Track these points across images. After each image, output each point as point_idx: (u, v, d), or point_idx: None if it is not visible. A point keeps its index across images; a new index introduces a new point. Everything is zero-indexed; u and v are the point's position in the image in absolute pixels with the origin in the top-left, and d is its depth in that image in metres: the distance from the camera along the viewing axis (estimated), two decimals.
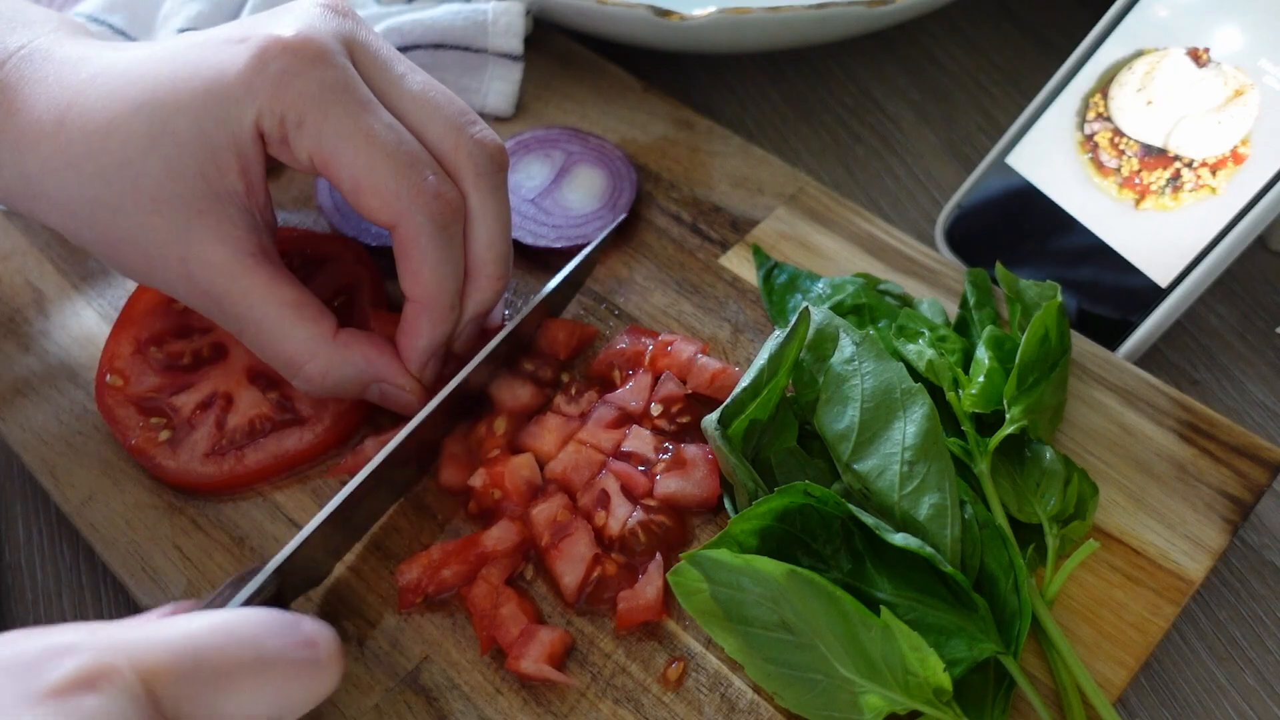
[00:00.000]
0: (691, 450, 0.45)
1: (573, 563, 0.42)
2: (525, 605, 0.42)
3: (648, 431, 0.45)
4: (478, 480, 0.45)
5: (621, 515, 0.43)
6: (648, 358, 0.48)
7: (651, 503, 0.44)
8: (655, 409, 0.46)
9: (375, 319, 0.48)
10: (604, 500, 0.44)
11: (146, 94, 0.39)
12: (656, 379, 0.47)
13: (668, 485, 0.44)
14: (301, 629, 0.32)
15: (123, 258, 0.41)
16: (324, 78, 0.39)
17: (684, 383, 0.47)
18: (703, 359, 0.48)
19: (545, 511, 0.43)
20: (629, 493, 0.44)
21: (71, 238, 0.42)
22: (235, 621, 0.30)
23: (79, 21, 0.46)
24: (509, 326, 0.46)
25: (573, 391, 0.47)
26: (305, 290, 0.42)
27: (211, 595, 0.36)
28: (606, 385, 0.48)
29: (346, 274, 0.51)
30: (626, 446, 0.45)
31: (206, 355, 0.48)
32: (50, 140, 0.40)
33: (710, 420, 0.42)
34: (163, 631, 0.29)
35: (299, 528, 0.45)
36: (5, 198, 0.42)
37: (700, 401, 0.47)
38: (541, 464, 0.45)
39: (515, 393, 0.47)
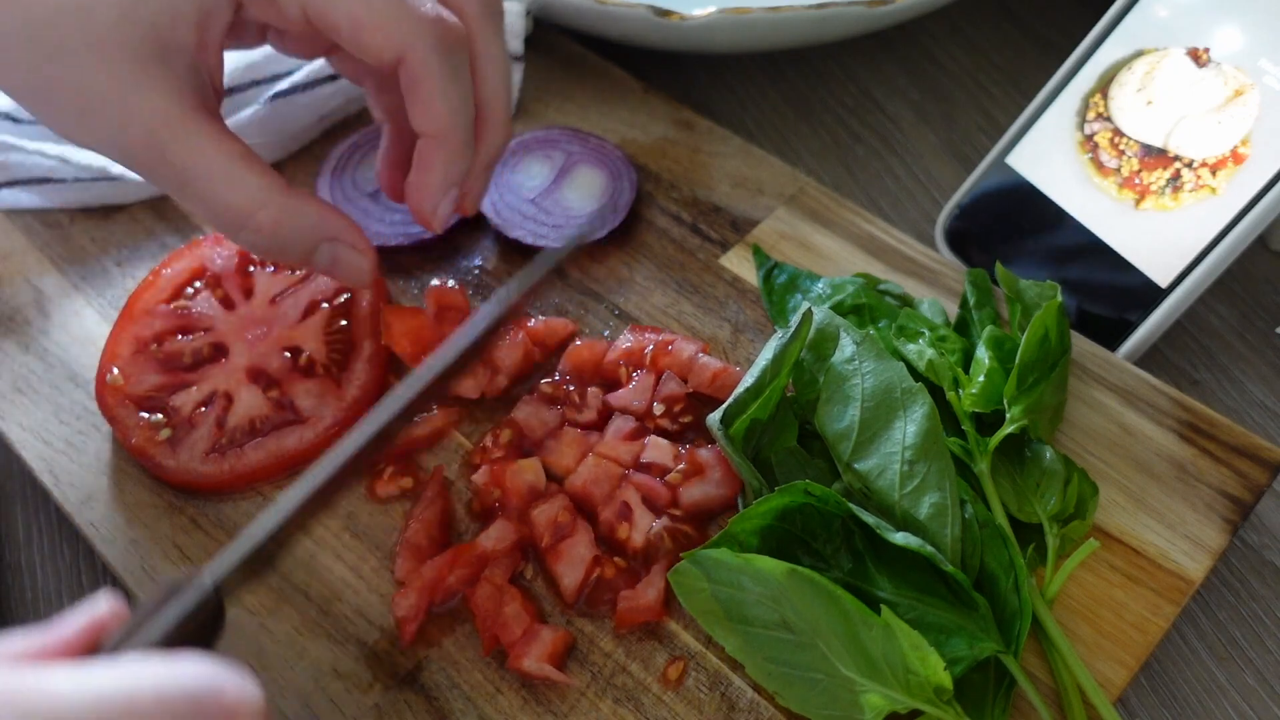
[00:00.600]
0: (704, 453, 0.45)
1: (572, 564, 0.42)
2: (528, 605, 0.42)
3: (665, 442, 0.45)
4: (480, 478, 0.45)
5: (645, 526, 0.43)
6: (649, 356, 0.48)
7: (677, 512, 0.44)
8: (658, 408, 0.46)
9: (388, 313, 0.48)
10: (626, 513, 0.44)
11: None
12: (659, 378, 0.47)
13: (692, 494, 0.44)
14: (221, 701, 0.26)
15: (55, 106, 0.38)
16: None
17: (685, 382, 0.47)
18: (704, 358, 0.48)
19: (546, 513, 0.43)
20: (650, 504, 0.44)
21: (3, 86, 0.39)
22: (144, 691, 0.25)
23: None
24: (470, 336, 0.42)
25: (577, 399, 0.47)
26: (251, 150, 0.39)
27: (142, 608, 0.30)
28: (610, 385, 0.48)
29: None
30: (645, 457, 0.45)
31: (207, 354, 0.48)
32: None
33: (713, 419, 0.42)
34: (70, 698, 0.24)
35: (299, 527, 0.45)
36: None
37: (701, 401, 0.47)
38: (561, 479, 0.45)
39: (541, 416, 0.47)
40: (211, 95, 0.40)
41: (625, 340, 0.49)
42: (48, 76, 0.37)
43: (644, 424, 0.46)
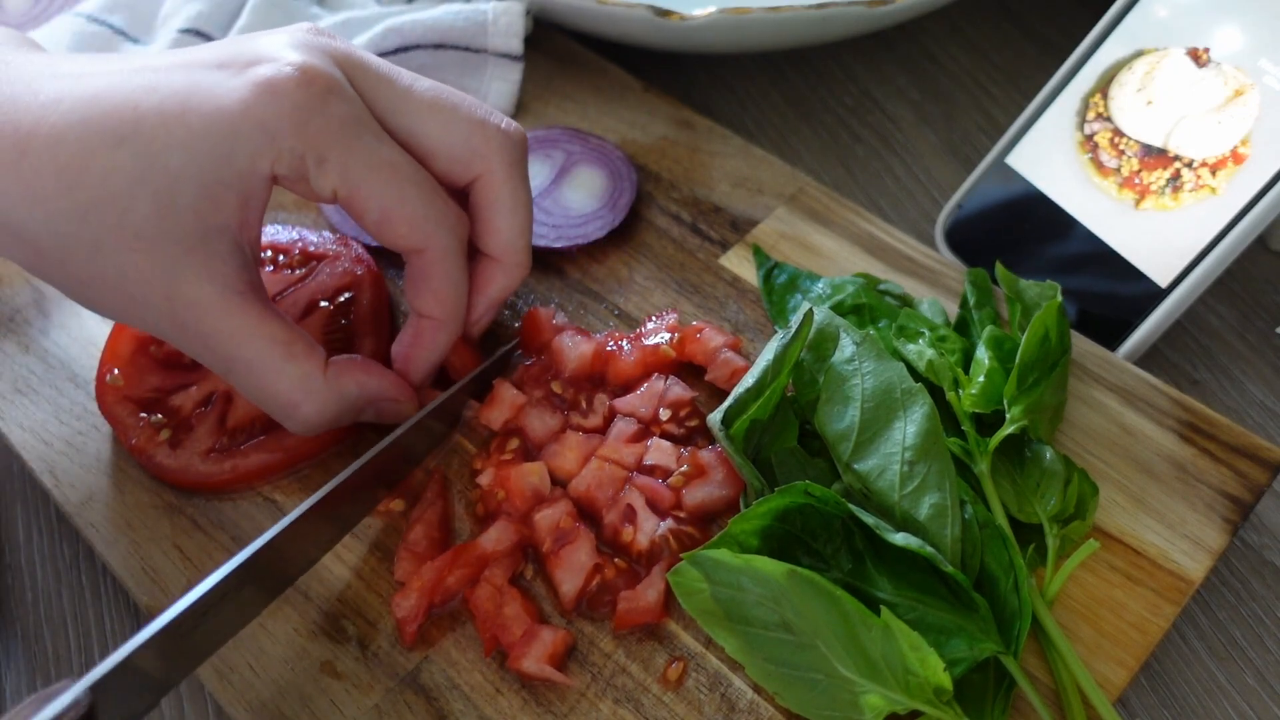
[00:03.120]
0: (706, 455, 0.45)
1: (572, 571, 0.42)
2: (528, 605, 0.42)
3: (668, 444, 0.45)
4: (485, 480, 0.45)
5: (649, 529, 0.43)
6: (676, 338, 0.48)
7: (681, 514, 0.44)
8: (664, 414, 0.46)
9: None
10: (630, 515, 0.43)
11: (130, 126, 0.36)
12: (665, 381, 0.47)
13: (695, 495, 0.44)
14: None
15: (98, 296, 0.38)
16: (341, 112, 0.38)
17: (704, 370, 0.48)
18: (728, 353, 0.48)
19: (549, 517, 0.43)
20: (654, 506, 0.44)
21: (35, 273, 0.39)
22: None
23: (23, 35, 0.43)
24: (439, 399, 0.45)
25: (582, 405, 0.47)
26: (294, 326, 0.40)
27: (10, 715, 0.32)
28: (616, 390, 0.48)
29: (347, 273, 0.51)
30: (649, 460, 0.45)
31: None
32: (10, 172, 0.36)
33: (714, 419, 0.42)
34: None
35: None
36: None
37: (707, 405, 0.47)
38: (564, 483, 0.45)
39: (546, 422, 0.47)
40: (254, 268, 0.40)
41: (652, 321, 0.50)
42: (93, 269, 0.37)
43: (649, 429, 0.46)
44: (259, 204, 0.39)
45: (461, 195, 0.45)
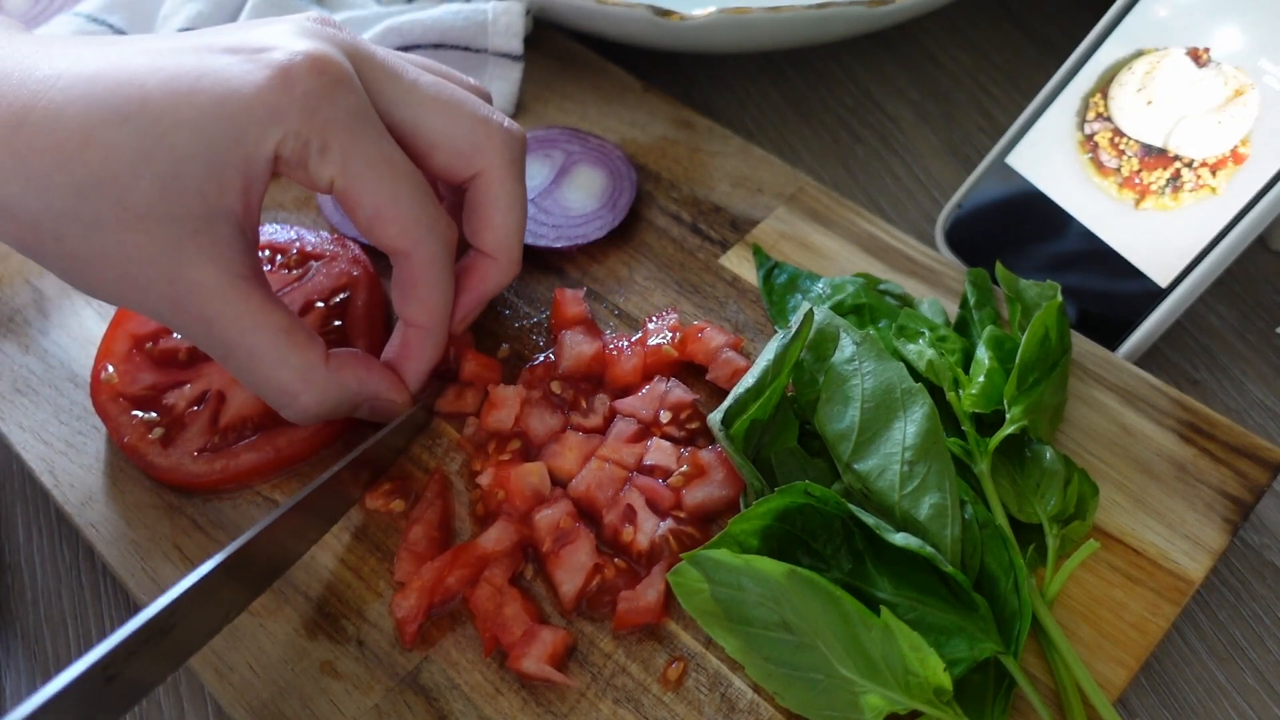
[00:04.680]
0: (706, 455, 0.45)
1: (572, 571, 0.42)
2: (528, 606, 0.42)
3: (668, 444, 0.45)
4: (485, 480, 0.45)
5: (649, 529, 0.43)
6: (678, 336, 0.48)
7: (681, 514, 0.44)
8: (664, 416, 0.46)
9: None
10: (630, 516, 0.43)
11: (135, 104, 0.35)
12: (666, 383, 0.47)
13: (695, 495, 0.44)
14: None
15: (95, 276, 0.37)
16: (349, 104, 0.38)
17: (704, 370, 0.48)
18: (730, 353, 0.48)
19: (549, 517, 0.43)
20: (654, 506, 0.44)
21: (29, 253, 0.38)
22: None
23: (16, 22, 0.42)
24: (362, 446, 0.44)
25: (583, 405, 0.47)
26: (294, 315, 0.40)
27: None
28: (617, 391, 0.48)
29: (344, 274, 0.51)
30: (649, 460, 0.45)
31: (201, 352, 0.48)
32: (4, 147, 0.35)
33: (714, 419, 0.42)
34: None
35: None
36: None
37: (708, 406, 0.47)
38: (564, 483, 0.45)
39: (546, 421, 0.47)
40: (256, 255, 0.40)
41: (653, 321, 0.50)
42: (91, 248, 0.36)
43: (649, 430, 0.46)
44: (261, 188, 0.39)
45: (459, 192, 0.45)
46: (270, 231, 0.53)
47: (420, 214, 0.40)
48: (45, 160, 0.35)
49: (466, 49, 0.61)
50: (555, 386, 0.48)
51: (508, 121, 0.43)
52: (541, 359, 0.49)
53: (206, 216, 0.37)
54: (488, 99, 0.46)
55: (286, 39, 0.38)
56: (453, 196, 0.48)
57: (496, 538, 0.43)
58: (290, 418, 0.42)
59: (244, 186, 0.37)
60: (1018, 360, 0.45)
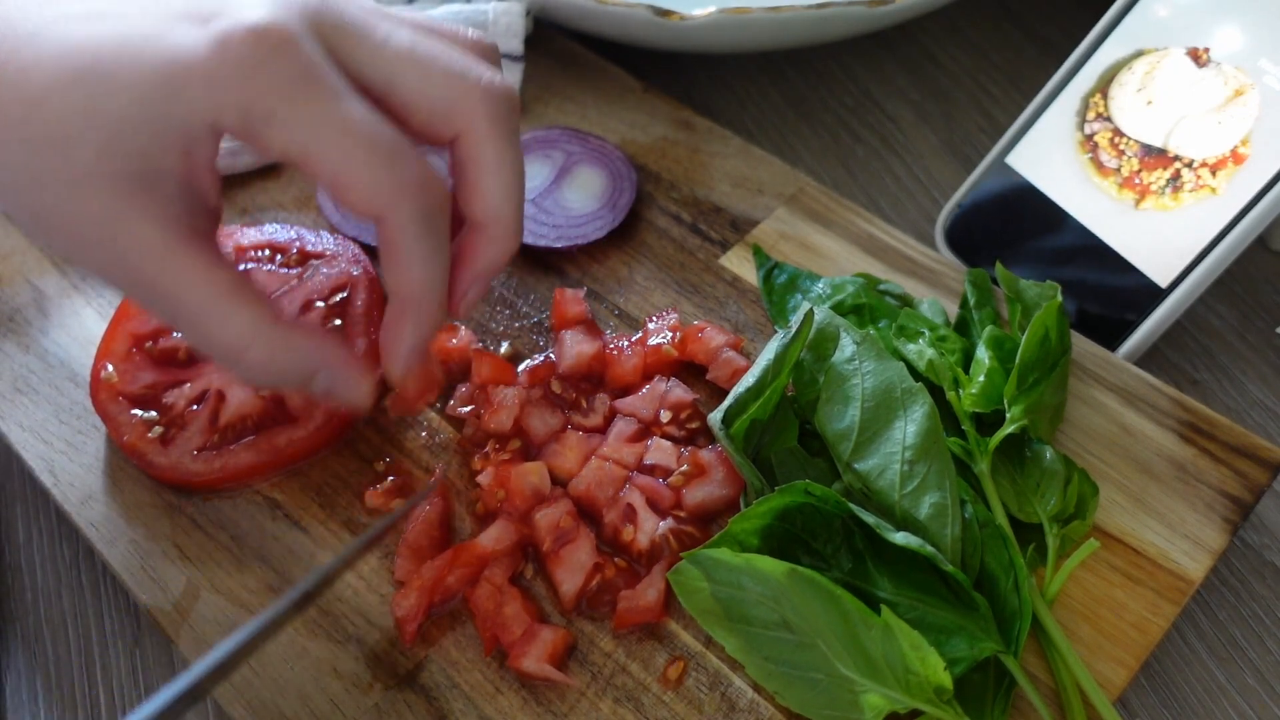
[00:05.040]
0: (706, 454, 0.45)
1: (572, 571, 0.42)
2: (528, 605, 0.42)
3: (668, 443, 0.45)
4: (485, 479, 0.45)
5: (649, 529, 0.43)
6: (678, 337, 0.48)
7: (681, 513, 0.44)
8: (665, 415, 0.46)
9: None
10: (630, 515, 0.43)
11: (87, 64, 0.36)
12: (666, 383, 0.47)
13: (695, 495, 0.44)
14: None
15: (49, 234, 0.38)
16: (291, 67, 0.37)
17: (704, 370, 0.48)
18: (730, 352, 0.48)
19: (549, 516, 0.43)
20: (654, 506, 0.44)
21: (3, 207, 0.39)
22: None
23: None
24: (373, 531, 0.43)
25: (583, 405, 0.47)
26: (242, 276, 0.39)
27: None
28: (617, 391, 0.48)
29: (344, 274, 0.51)
30: (649, 459, 0.45)
31: (201, 352, 0.48)
32: None
33: (715, 419, 0.42)
34: None
35: (299, 526, 0.45)
36: None
37: (708, 406, 0.47)
38: (564, 482, 0.45)
39: (546, 420, 0.47)
40: (204, 216, 0.39)
41: (653, 321, 0.50)
42: (41, 205, 0.37)
43: (649, 429, 0.46)
44: (206, 154, 0.38)
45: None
46: (270, 231, 0.53)
47: (384, 177, 0.38)
48: (12, 116, 0.36)
49: None
50: (555, 386, 0.48)
51: (489, 76, 0.40)
52: (542, 358, 0.49)
53: (146, 176, 0.37)
54: (492, 54, 0.43)
55: (238, 5, 0.38)
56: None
57: (496, 537, 0.43)
58: (243, 375, 0.40)
59: (184, 149, 0.37)
60: (1018, 360, 0.45)
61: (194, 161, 0.38)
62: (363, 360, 0.41)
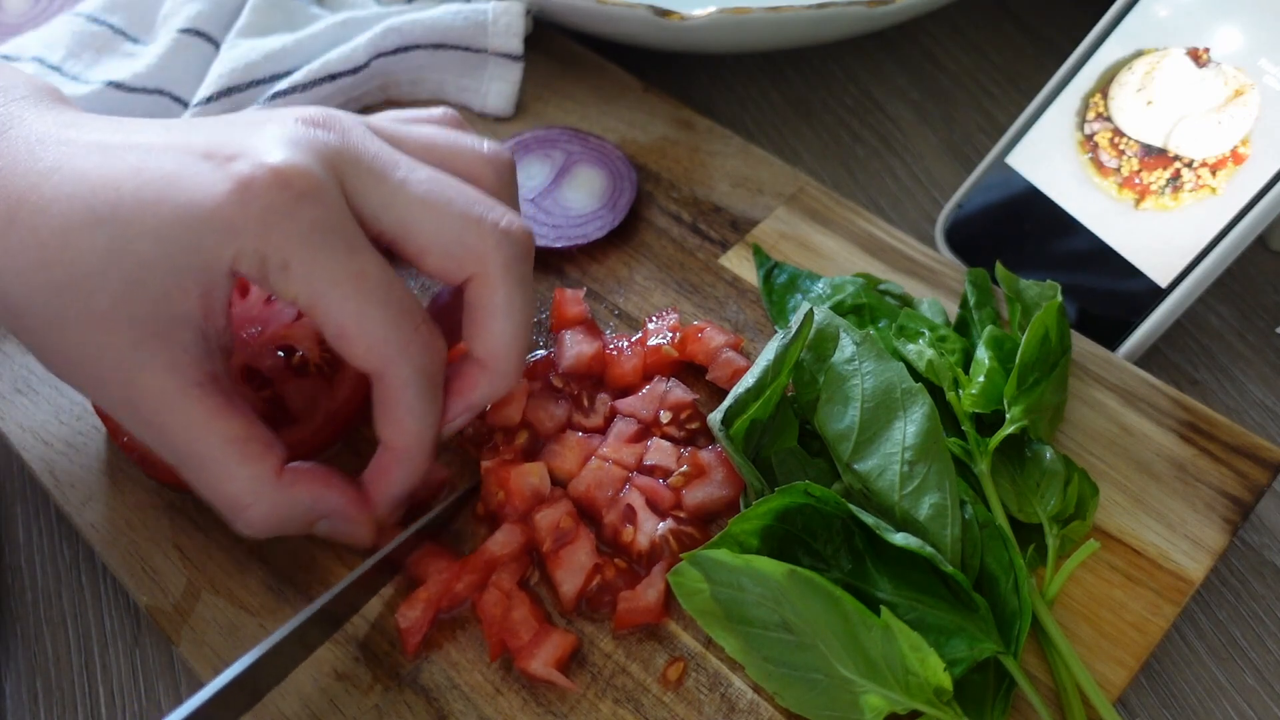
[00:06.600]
0: (706, 455, 0.45)
1: (572, 571, 0.42)
2: (535, 609, 0.42)
3: (668, 444, 0.45)
4: (490, 470, 0.45)
5: (649, 530, 0.43)
6: (679, 336, 0.48)
7: (681, 514, 0.44)
8: (664, 416, 0.46)
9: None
10: (630, 516, 0.43)
11: (108, 208, 0.36)
12: (666, 383, 0.47)
13: (695, 495, 0.44)
14: None
15: (67, 371, 0.38)
16: (313, 218, 0.36)
17: (704, 370, 0.48)
18: (730, 353, 0.48)
19: (549, 516, 0.43)
20: (654, 506, 0.44)
21: (17, 338, 0.39)
22: None
23: (51, 85, 0.42)
24: (383, 550, 0.42)
25: (584, 405, 0.47)
26: (252, 422, 0.39)
27: None
28: (617, 391, 0.48)
29: None
30: (649, 460, 0.45)
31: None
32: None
33: (715, 419, 0.42)
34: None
35: None
36: None
37: (708, 406, 0.47)
38: (564, 483, 0.45)
39: (551, 411, 0.47)
40: (219, 359, 0.39)
41: (653, 321, 0.49)
42: (62, 343, 0.37)
43: (649, 430, 0.46)
44: (222, 297, 0.38)
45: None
46: None
47: (391, 334, 0.38)
48: (29, 258, 0.36)
49: (466, 49, 0.61)
50: (556, 381, 0.48)
51: (508, 219, 0.40)
52: (541, 354, 0.49)
53: (165, 320, 0.37)
54: (508, 175, 0.43)
55: (260, 147, 0.37)
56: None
57: (503, 540, 0.43)
58: (239, 529, 0.40)
59: (202, 295, 0.37)
60: (1018, 360, 0.45)
61: (211, 304, 0.38)
62: (362, 501, 0.41)
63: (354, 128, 0.40)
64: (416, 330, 0.39)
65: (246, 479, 0.38)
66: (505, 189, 0.43)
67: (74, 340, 0.37)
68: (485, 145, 0.43)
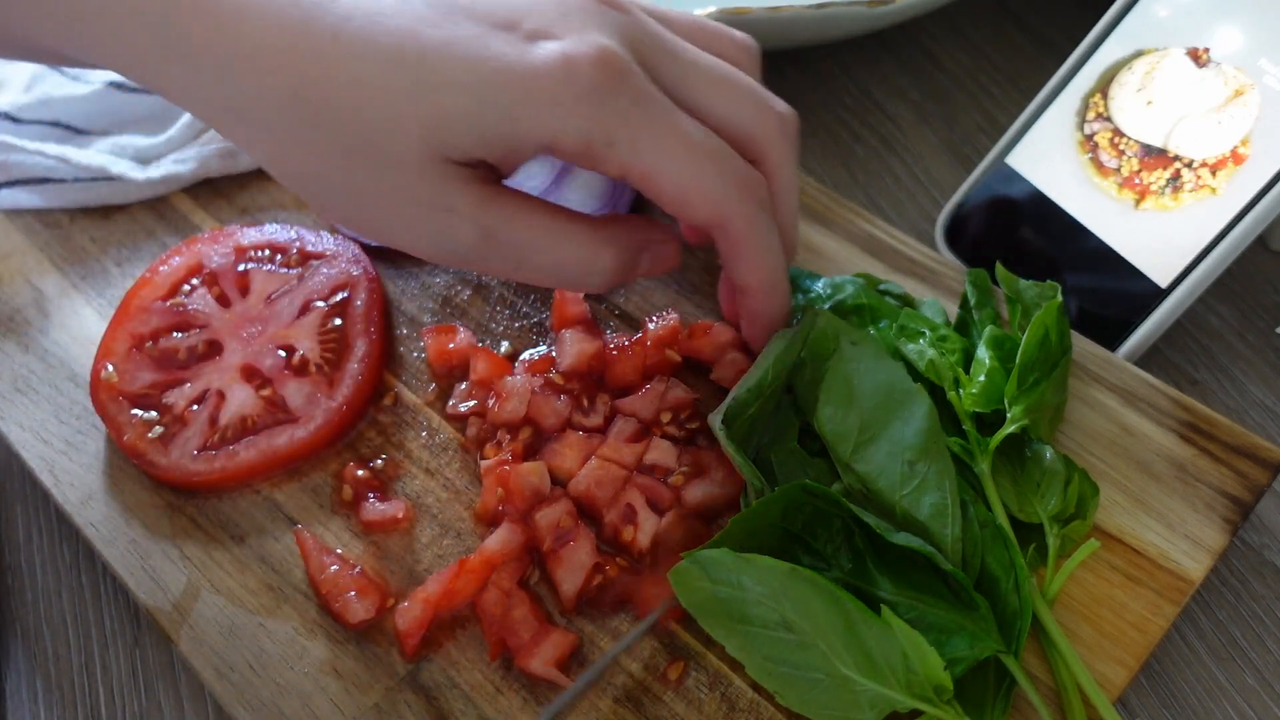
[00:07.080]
0: (706, 454, 0.45)
1: (572, 570, 0.42)
2: (535, 609, 0.42)
3: (668, 443, 0.45)
4: (485, 478, 0.45)
5: (650, 529, 0.43)
6: (685, 332, 0.49)
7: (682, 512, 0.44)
8: (665, 416, 0.46)
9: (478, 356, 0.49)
10: (630, 515, 0.43)
11: (412, 53, 0.36)
12: (666, 383, 0.47)
13: (695, 494, 0.44)
14: None
15: (379, 217, 0.39)
16: (633, 94, 0.37)
17: (706, 370, 0.48)
18: (735, 353, 0.48)
19: (549, 516, 0.43)
20: (654, 505, 0.44)
21: (303, 194, 0.39)
22: None
23: None
24: (644, 623, 0.42)
25: (584, 404, 0.47)
26: (551, 204, 0.41)
27: None
28: (617, 391, 0.48)
29: (343, 273, 0.51)
30: (649, 459, 0.45)
31: (201, 352, 0.48)
32: (309, 82, 0.37)
33: (715, 419, 0.42)
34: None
35: (299, 526, 0.45)
36: (216, 116, 0.38)
37: (711, 406, 0.47)
38: (564, 482, 0.45)
39: (553, 406, 0.47)
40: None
41: (660, 320, 0.50)
42: (372, 191, 0.38)
43: (650, 429, 0.46)
44: (523, 159, 0.39)
45: None
46: (270, 231, 0.53)
47: (728, 185, 0.39)
48: (319, 113, 0.36)
49: None
50: (557, 378, 0.48)
51: (781, 104, 0.43)
52: (540, 353, 0.49)
53: (465, 162, 0.38)
54: (759, 57, 0.45)
55: (569, 26, 0.38)
56: None
57: (503, 540, 0.43)
58: (596, 285, 0.42)
59: (503, 155, 0.38)
60: (1018, 360, 0.45)
61: (507, 163, 0.39)
62: (667, 229, 0.44)
63: (635, 8, 0.41)
64: (742, 170, 0.40)
65: (584, 237, 0.40)
66: (759, 77, 0.44)
67: (390, 181, 0.37)
68: (737, 33, 0.45)
